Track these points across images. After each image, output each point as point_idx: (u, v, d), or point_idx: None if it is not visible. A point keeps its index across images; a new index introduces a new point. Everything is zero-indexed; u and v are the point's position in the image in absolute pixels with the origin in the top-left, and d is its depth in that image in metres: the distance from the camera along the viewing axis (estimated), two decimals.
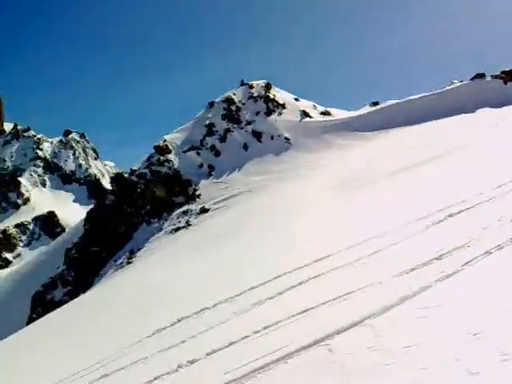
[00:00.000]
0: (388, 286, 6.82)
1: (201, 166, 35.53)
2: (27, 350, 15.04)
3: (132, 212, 34.19)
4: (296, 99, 43.03)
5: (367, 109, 41.45)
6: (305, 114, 40.48)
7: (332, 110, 42.63)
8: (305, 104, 42.45)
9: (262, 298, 9.02)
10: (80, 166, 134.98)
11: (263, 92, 42.08)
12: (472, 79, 39.85)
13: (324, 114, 41.65)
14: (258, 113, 40.22)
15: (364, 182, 19.60)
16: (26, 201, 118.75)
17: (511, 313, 4.59)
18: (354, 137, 34.59)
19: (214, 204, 30.36)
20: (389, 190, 16.83)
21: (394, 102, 40.44)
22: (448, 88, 39.50)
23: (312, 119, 39.77)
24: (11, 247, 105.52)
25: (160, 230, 30.62)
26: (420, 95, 39.40)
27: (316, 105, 42.99)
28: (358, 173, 22.21)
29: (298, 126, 38.24)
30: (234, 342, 7.13)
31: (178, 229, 29.36)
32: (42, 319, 22.70)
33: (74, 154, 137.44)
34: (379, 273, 7.46)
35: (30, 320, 32.98)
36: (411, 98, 39.50)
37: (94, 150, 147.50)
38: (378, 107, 40.44)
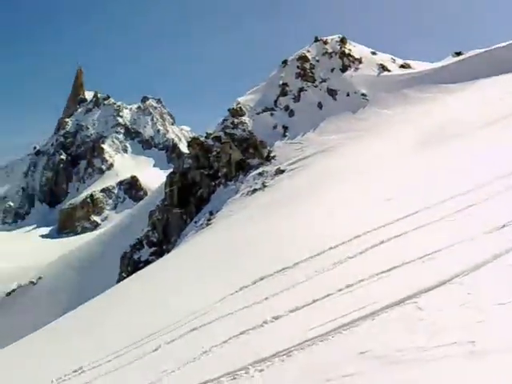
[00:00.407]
0: (478, 243, 6.52)
1: (275, 127, 35.42)
2: (120, 303, 16.04)
3: (209, 175, 34.93)
4: (373, 53, 41.40)
5: (450, 59, 39.09)
6: (383, 67, 38.93)
7: (412, 63, 40.65)
8: (382, 57, 40.77)
9: (342, 258, 8.95)
10: (158, 131, 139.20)
11: (338, 47, 40.83)
12: None
13: (403, 66, 39.83)
14: (332, 69, 39.18)
15: (449, 137, 18.69)
16: (110, 166, 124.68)
17: None
18: (436, 90, 32.88)
19: (290, 165, 30.30)
20: (476, 143, 15.95)
21: (479, 51, 37.82)
22: None
23: (390, 73, 38.20)
24: (99, 211, 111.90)
25: (237, 192, 31.10)
26: (508, 42, 36.54)
27: (394, 58, 41.16)
28: (441, 128, 21.17)
29: (376, 81, 36.89)
30: (318, 299, 7.15)
31: (254, 190, 29.69)
32: (130, 277, 24.06)
33: (151, 119, 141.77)
34: (469, 230, 7.15)
35: (120, 279, 35.10)
36: (498, 45, 36.74)
37: (171, 116, 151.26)
38: (461, 57, 38.03)
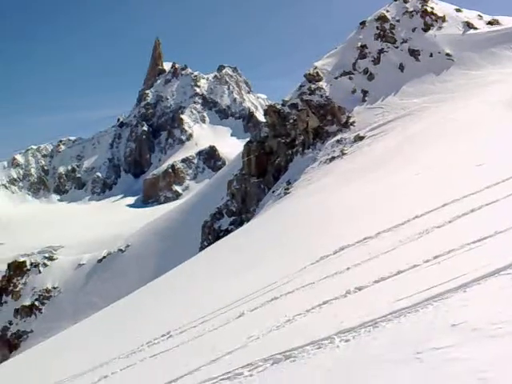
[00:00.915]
0: None
1: (354, 91, 34.42)
2: (205, 270, 16.56)
3: (286, 143, 34.76)
4: (457, 10, 38.88)
5: None
6: (468, 25, 36.51)
7: (501, 19, 37.77)
8: (468, 14, 38.21)
9: (428, 227, 8.60)
10: (235, 100, 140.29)
11: (419, 5, 38.67)
12: None
13: (491, 23, 37.16)
14: (414, 29, 37.27)
15: None
16: (189, 137, 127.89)
17: None
18: None
19: (370, 131, 29.44)
20: None
21: None
22: None
23: (477, 31, 35.76)
24: (180, 180, 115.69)
25: (314, 160, 30.76)
26: None
27: (482, 14, 38.43)
28: None
29: (461, 40, 34.69)
30: (403, 270, 6.92)
31: (332, 158, 29.24)
32: (211, 247, 24.73)
33: (228, 88, 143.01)
34: None
35: (202, 247, 36.24)
36: None
37: (247, 84, 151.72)
38: None
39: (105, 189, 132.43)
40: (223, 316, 8.96)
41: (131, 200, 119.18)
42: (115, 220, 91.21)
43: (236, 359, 6.14)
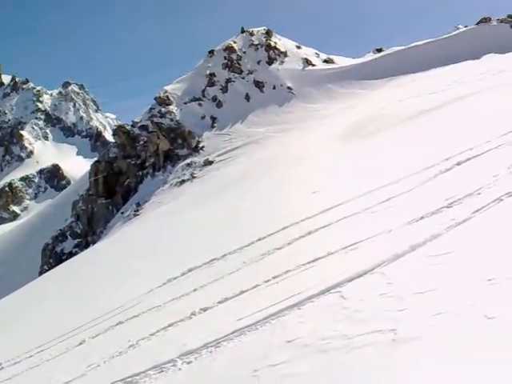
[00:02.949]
0: (398, 234, 6.89)
1: (203, 117, 35.22)
2: (42, 297, 15.43)
3: (136, 164, 34.19)
4: (298, 47, 42.11)
5: (371, 56, 40.70)
6: (307, 62, 39.73)
7: (335, 58, 41.82)
8: (307, 52, 41.60)
9: (270, 248, 9.14)
10: (81, 118, 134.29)
11: (264, 40, 41.13)
12: (478, 24, 38.87)
13: (327, 61, 40.89)
14: (259, 62, 39.47)
15: (370, 132, 19.45)
16: (30, 154, 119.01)
17: None
18: (358, 85, 34.10)
19: (218, 156, 30.32)
20: (396, 138, 16.72)
21: (398, 48, 39.62)
22: (453, 33, 38.60)
23: (315, 67, 39.07)
24: (18, 200, 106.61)
25: (165, 182, 30.71)
26: (425, 41, 38.54)
27: (318, 52, 42.14)
28: (363, 122, 21.99)
29: (301, 75, 37.61)
30: (246, 290, 7.27)
31: (182, 181, 29.46)
32: (53, 270, 23.18)
33: (74, 106, 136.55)
34: (388, 222, 7.52)
35: (42, 271, 33.69)
36: (416, 44, 38.65)
37: (94, 102, 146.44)
38: (382, 54, 39.70)
39: None
40: (62, 344, 8.49)
41: None
42: None
43: None
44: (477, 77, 23.82)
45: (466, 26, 39.45)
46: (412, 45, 38.70)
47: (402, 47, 39.22)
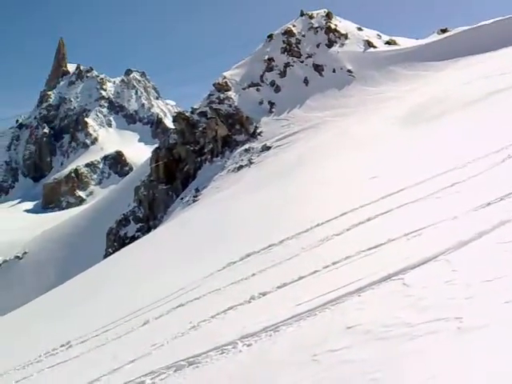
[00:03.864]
0: (464, 220, 6.62)
1: (261, 102, 35.21)
2: (108, 278, 16.08)
3: (195, 150, 34.75)
4: (359, 28, 41.14)
5: (435, 37, 39.11)
6: (369, 44, 38.75)
7: (398, 39, 40.54)
8: (368, 33, 40.56)
9: (329, 234, 9.03)
10: (143, 105, 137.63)
11: (324, 22, 40.45)
12: None
13: (389, 43, 39.71)
14: (318, 45, 38.89)
15: (435, 115, 18.78)
16: (94, 141, 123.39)
17: None
18: (422, 67, 32.91)
19: (276, 141, 30.26)
20: (462, 121, 16.06)
21: (464, 28, 37.83)
22: None
23: (377, 49, 38.06)
24: (84, 186, 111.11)
25: (223, 168, 31.05)
26: (493, 20, 36.56)
27: (380, 34, 41.01)
28: (427, 105, 21.24)
29: (362, 58, 36.74)
30: (304, 276, 7.23)
31: (240, 167, 29.67)
32: (117, 253, 24.06)
33: (136, 93, 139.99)
34: (453, 208, 7.25)
35: (107, 255, 35.08)
36: (483, 23, 36.75)
37: (155, 89, 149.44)
38: (446, 34, 38.07)
39: (0, 193, 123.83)
40: (127, 324, 8.80)
41: (30, 205, 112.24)
42: (12, 226, 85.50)
43: (138, 368, 6.08)
44: None
45: None
46: (479, 24, 36.84)
47: (469, 27, 37.42)
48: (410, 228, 7.15)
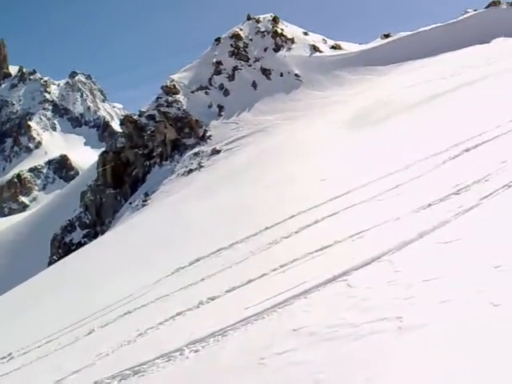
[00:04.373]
0: (406, 221, 6.84)
1: (210, 106, 35.15)
2: (52, 287, 15.59)
3: (144, 154, 34.27)
4: (305, 33, 41.80)
5: (379, 41, 40.29)
6: (315, 48, 39.44)
7: (342, 44, 41.47)
8: (314, 38, 41.29)
9: (277, 237, 9.13)
10: (88, 108, 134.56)
11: (270, 27, 40.85)
12: (487, 7, 38.35)
13: (334, 48, 40.56)
14: (266, 49, 39.23)
15: (379, 118, 19.31)
16: (38, 145, 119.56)
17: None
18: (366, 71, 33.82)
19: (226, 145, 30.29)
20: (405, 124, 16.58)
21: (406, 33, 39.21)
22: (462, 18, 38.10)
23: (322, 54, 38.79)
24: (27, 191, 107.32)
25: (172, 172, 30.79)
26: (433, 26, 38.09)
27: (326, 39, 41.81)
28: (371, 108, 21.82)
29: (308, 62, 37.35)
30: (253, 279, 7.27)
31: (190, 171, 29.51)
32: (62, 260, 23.38)
33: (81, 96, 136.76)
34: (396, 209, 7.47)
35: (51, 262, 33.99)
36: (424, 29, 38.22)
37: (101, 92, 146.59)
38: (389, 39, 39.31)
39: None
40: (71, 334, 8.58)
41: None
42: None
43: (82, 379, 5.96)
44: (486, 61, 23.53)
45: (475, 10, 38.90)
46: (419, 30, 38.28)
47: (410, 32, 38.79)
48: (355, 230, 7.31)
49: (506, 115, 10.76)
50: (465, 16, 38.07)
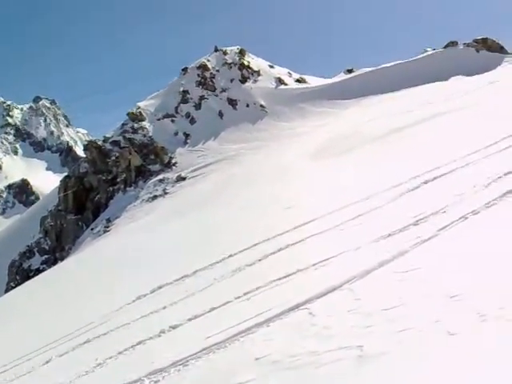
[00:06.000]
0: (366, 251, 6.98)
1: (176, 133, 35.24)
2: (7, 315, 15.02)
3: (107, 180, 33.85)
4: (271, 66, 42.71)
5: (342, 76, 41.46)
6: (280, 81, 40.26)
7: (307, 78, 42.50)
8: (280, 71, 42.21)
9: (241, 265, 9.13)
10: (52, 133, 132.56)
11: (237, 59, 41.60)
12: (445, 47, 40.10)
13: (299, 81, 41.50)
14: (232, 80, 39.83)
15: (342, 150, 19.74)
16: None
17: (487, 276, 4.77)
18: (330, 104, 34.68)
19: (191, 172, 30.30)
20: (367, 156, 16.99)
21: (368, 69, 40.52)
22: (421, 56, 39.70)
23: (287, 87, 39.61)
24: None
25: (136, 198, 30.48)
26: (394, 63, 39.54)
27: (291, 72, 42.77)
28: (335, 140, 22.32)
29: (274, 94, 38.07)
30: (216, 307, 7.23)
31: (154, 197, 29.29)
32: (20, 287, 22.62)
33: (44, 120, 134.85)
34: (357, 239, 7.62)
35: (8, 289, 32.80)
36: (385, 65, 39.60)
37: (66, 117, 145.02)
38: (352, 74, 40.51)
39: None
40: (27, 364, 8.27)
41: None
42: None
43: None
44: (444, 98, 24.49)
45: (433, 49, 40.60)
46: (381, 66, 39.64)
47: (372, 68, 40.13)
48: (317, 258, 7.41)
49: (462, 150, 11.20)
50: (424, 54, 39.68)
